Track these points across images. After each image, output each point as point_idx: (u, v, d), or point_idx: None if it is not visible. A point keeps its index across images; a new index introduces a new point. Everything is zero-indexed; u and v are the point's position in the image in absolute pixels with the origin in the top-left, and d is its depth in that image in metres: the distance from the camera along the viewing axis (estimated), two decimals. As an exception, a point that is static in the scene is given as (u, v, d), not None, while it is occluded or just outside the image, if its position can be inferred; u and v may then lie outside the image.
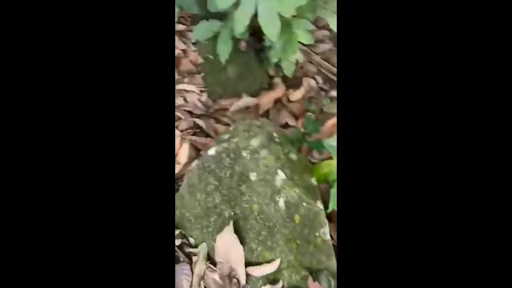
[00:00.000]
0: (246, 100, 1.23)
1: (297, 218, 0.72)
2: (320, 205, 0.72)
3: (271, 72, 1.37)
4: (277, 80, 1.37)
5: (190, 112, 1.17)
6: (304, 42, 1.09)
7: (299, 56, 1.24)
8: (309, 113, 1.22)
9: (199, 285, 0.77)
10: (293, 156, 0.79)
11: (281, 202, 0.72)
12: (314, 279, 0.72)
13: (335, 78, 1.35)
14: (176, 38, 1.26)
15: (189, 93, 1.20)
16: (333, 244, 0.73)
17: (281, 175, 0.73)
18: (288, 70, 1.23)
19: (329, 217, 0.73)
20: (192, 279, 0.77)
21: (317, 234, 0.71)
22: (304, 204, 0.71)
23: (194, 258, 0.80)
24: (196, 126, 1.14)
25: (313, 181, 0.77)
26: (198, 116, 1.16)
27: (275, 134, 0.81)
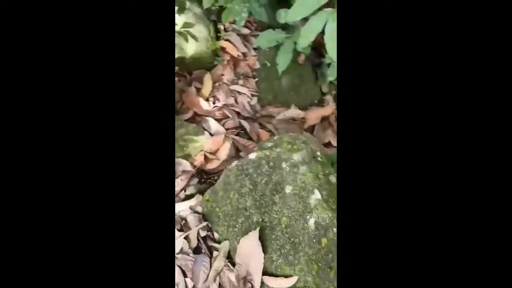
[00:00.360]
0: (294, 112, 1.25)
1: (324, 241, 0.71)
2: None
3: (324, 89, 1.37)
4: (329, 97, 1.36)
5: (238, 113, 1.21)
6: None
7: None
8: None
9: (215, 280, 0.79)
10: (333, 178, 0.78)
11: (311, 222, 0.72)
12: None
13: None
14: (239, 40, 1.31)
15: (241, 95, 1.25)
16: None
17: (316, 195, 0.72)
18: (342, 90, 1.21)
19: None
20: (209, 272, 0.80)
21: (341, 262, 0.69)
22: (334, 229, 0.70)
23: (215, 253, 0.83)
24: (241, 127, 1.18)
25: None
26: (245, 118, 1.20)
27: (318, 153, 0.81)
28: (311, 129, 1.24)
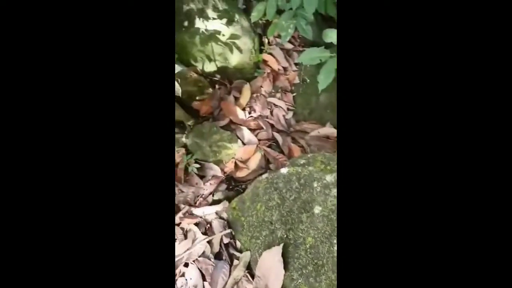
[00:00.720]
0: (329, 130, 1.23)
1: (348, 268, 0.69)
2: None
3: (361, 109, 1.34)
4: (365, 119, 1.33)
5: (272, 125, 1.23)
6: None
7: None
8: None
9: (232, 288, 0.80)
10: (364, 204, 0.76)
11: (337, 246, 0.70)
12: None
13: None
14: (281, 55, 1.34)
15: (277, 108, 1.27)
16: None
17: (346, 220, 0.71)
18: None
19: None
20: (228, 280, 0.81)
21: (364, 293, 0.67)
22: (361, 258, 0.68)
23: (235, 262, 0.84)
24: (274, 139, 1.19)
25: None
26: (278, 131, 1.21)
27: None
28: (344, 150, 1.22)
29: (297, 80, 1.31)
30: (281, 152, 1.16)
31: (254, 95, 1.27)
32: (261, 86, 1.30)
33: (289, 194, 0.79)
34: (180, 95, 0.79)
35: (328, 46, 1.14)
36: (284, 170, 0.82)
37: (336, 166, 0.80)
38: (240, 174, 1.09)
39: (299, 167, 0.80)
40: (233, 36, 1.23)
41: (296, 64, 1.33)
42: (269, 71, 1.32)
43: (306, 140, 1.21)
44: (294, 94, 1.30)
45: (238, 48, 1.25)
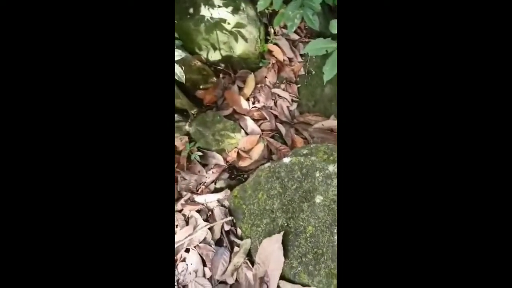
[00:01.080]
0: (332, 123, 1.23)
1: (348, 257, 0.69)
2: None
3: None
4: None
5: (275, 116, 1.22)
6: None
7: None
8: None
9: (232, 274, 0.81)
10: (365, 195, 0.76)
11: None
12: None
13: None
14: (287, 45, 1.33)
15: (281, 99, 1.26)
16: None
17: (347, 209, 0.71)
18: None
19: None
20: (228, 266, 0.82)
21: (362, 282, 0.67)
22: (360, 247, 0.68)
23: (236, 249, 0.85)
24: (277, 130, 1.19)
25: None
26: (281, 122, 1.21)
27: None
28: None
29: (302, 72, 1.30)
30: (284, 143, 1.16)
31: (259, 85, 1.27)
32: (266, 77, 1.29)
33: (290, 183, 0.79)
34: (184, 81, 0.79)
35: (334, 37, 1.13)
36: (286, 160, 0.82)
37: (338, 157, 0.80)
38: (243, 163, 1.09)
39: (301, 157, 0.80)
40: (238, 25, 1.22)
41: (301, 55, 1.32)
42: (274, 61, 1.31)
43: (309, 132, 1.21)
44: (299, 85, 1.29)
45: (243, 37, 1.24)
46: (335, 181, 0.75)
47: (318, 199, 0.74)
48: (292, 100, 1.26)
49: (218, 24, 1.20)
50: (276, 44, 1.33)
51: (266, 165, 0.86)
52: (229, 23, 1.21)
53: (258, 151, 1.11)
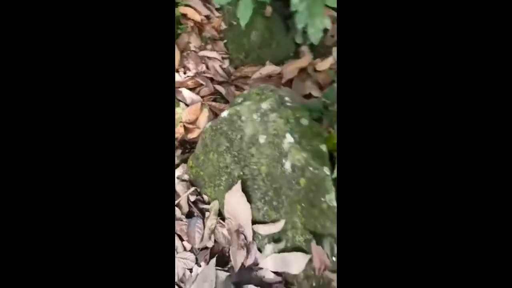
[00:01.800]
0: (270, 68, 1.22)
1: (302, 181, 0.72)
2: (327, 170, 0.71)
3: (298, 39, 1.32)
4: (304, 48, 1.32)
5: (211, 79, 1.19)
6: (331, 5, 1.02)
7: (327, 23, 1.17)
8: (335, 84, 1.16)
9: (210, 238, 0.83)
10: (304, 121, 0.78)
11: (288, 165, 0.73)
12: (317, 243, 0.74)
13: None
14: (199, 3, 1.25)
15: (211, 60, 1.22)
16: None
17: (289, 139, 0.73)
18: (315, 37, 1.16)
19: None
20: (204, 232, 0.83)
21: (322, 199, 0.71)
22: (311, 168, 0.71)
23: (206, 214, 0.86)
24: (217, 92, 1.16)
25: (323, 147, 0.76)
26: (219, 83, 1.18)
27: (286, 99, 0.80)
28: (290, 84, 1.22)
29: (223, 26, 1.25)
30: (227, 102, 1.14)
31: (184, 53, 1.21)
32: (189, 42, 1.23)
33: (235, 134, 0.79)
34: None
35: (240, -22, 1.07)
36: (224, 113, 0.81)
37: (270, 93, 0.80)
38: (192, 135, 1.07)
39: (237, 106, 0.80)
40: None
41: (217, 9, 1.26)
42: (192, 24, 1.24)
43: (249, 84, 1.20)
44: (225, 41, 1.24)
45: (151, 8, 1.15)
46: (271, 116, 0.75)
47: (262, 139, 0.75)
48: (223, 58, 1.23)
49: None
50: (188, 5, 1.25)
51: (208, 125, 0.85)
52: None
53: (203, 118, 1.09)
